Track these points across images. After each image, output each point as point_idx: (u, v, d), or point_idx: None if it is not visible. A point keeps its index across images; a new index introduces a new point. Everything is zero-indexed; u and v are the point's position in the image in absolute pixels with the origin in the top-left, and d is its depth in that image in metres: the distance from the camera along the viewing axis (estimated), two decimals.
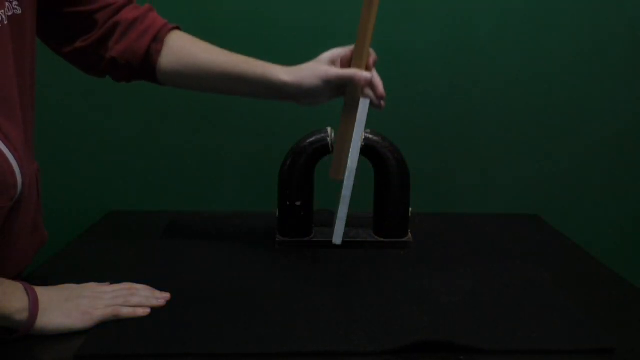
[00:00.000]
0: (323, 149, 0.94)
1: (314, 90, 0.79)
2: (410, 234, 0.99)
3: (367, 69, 0.79)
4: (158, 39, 0.83)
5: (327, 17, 1.14)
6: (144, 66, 0.83)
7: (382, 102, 0.79)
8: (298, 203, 0.95)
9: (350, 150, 0.78)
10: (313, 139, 0.94)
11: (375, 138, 0.94)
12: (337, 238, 0.81)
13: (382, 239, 0.97)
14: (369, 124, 0.95)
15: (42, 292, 0.69)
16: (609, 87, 1.22)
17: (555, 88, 1.22)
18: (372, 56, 0.80)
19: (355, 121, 0.78)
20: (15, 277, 0.75)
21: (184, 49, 0.83)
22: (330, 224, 1.02)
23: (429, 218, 1.12)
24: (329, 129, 0.95)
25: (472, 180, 1.25)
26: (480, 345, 0.66)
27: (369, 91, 0.79)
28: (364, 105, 0.76)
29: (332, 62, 0.79)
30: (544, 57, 1.20)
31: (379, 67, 1.17)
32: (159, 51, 0.83)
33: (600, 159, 1.25)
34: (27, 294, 0.67)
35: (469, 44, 1.18)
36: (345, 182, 0.78)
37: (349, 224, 1.02)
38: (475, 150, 1.24)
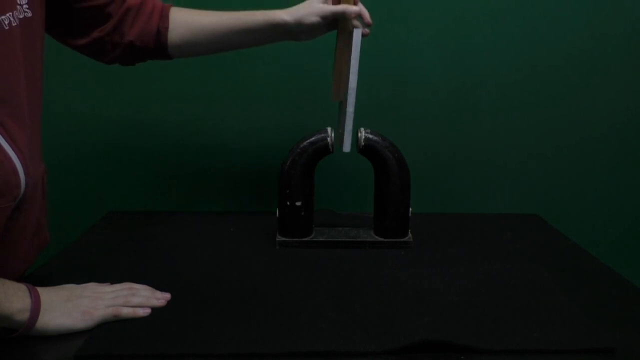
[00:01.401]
0: (323, 149, 0.94)
1: (313, 26, 0.89)
2: (410, 234, 0.99)
3: (354, 3, 0.90)
4: (164, 17, 0.89)
5: None
6: (156, 45, 0.89)
7: (368, 30, 0.91)
8: (298, 203, 0.95)
9: (350, 72, 0.88)
10: (313, 139, 0.95)
11: (375, 138, 0.94)
12: (347, 147, 0.91)
13: (382, 239, 0.97)
14: (368, 123, 0.96)
15: (42, 292, 0.69)
16: (609, 87, 1.22)
17: (555, 88, 1.22)
18: None
19: (349, 48, 0.89)
20: (16, 278, 0.75)
21: (188, 19, 0.91)
22: (331, 224, 1.03)
23: (429, 218, 1.12)
24: (329, 129, 0.95)
25: (472, 180, 1.25)
26: (480, 345, 0.66)
27: (357, 22, 0.90)
28: (357, 35, 0.87)
29: (325, 1, 0.90)
30: (544, 56, 1.20)
31: (379, 66, 1.17)
32: (166, 28, 0.89)
33: (600, 158, 1.25)
34: (30, 294, 0.67)
35: (469, 44, 1.18)
36: (348, 100, 0.88)
37: (349, 224, 1.03)
38: (475, 151, 1.23)
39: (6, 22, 0.67)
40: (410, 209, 0.98)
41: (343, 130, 0.90)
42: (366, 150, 0.94)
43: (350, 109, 0.89)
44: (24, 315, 0.66)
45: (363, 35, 0.87)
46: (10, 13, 0.68)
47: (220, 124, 1.20)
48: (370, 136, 0.94)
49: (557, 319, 0.73)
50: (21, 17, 0.70)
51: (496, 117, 1.22)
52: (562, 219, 1.20)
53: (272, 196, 0.98)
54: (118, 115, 1.19)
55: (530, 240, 1.03)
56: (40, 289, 0.69)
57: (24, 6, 0.71)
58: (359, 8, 0.89)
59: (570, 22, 1.19)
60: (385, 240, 0.97)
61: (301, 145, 0.95)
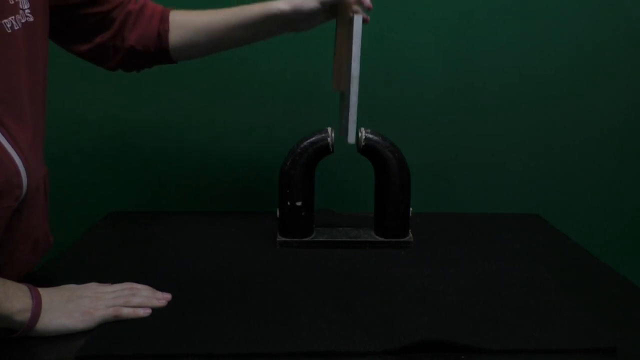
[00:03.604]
0: (323, 149, 0.94)
1: (311, 13, 0.88)
2: (410, 234, 0.99)
3: None
4: (164, 20, 0.89)
5: None
6: (157, 48, 0.89)
7: (367, 16, 0.88)
8: (299, 203, 0.95)
9: (352, 61, 0.85)
10: (313, 139, 0.95)
11: (375, 138, 0.94)
12: (351, 138, 0.87)
13: (382, 239, 0.97)
14: (368, 123, 0.96)
15: (43, 292, 0.69)
16: (609, 87, 1.22)
17: (555, 87, 1.22)
18: None
19: (350, 36, 0.86)
20: (17, 279, 0.75)
21: (187, 20, 0.90)
22: (331, 224, 1.03)
23: (429, 218, 1.12)
24: (329, 129, 0.95)
25: (472, 180, 1.25)
26: (481, 344, 0.66)
27: (357, 7, 0.87)
28: (358, 21, 0.84)
29: None
30: (543, 56, 1.20)
31: (380, 66, 1.17)
32: (167, 31, 0.89)
33: (600, 158, 1.25)
34: (31, 294, 0.67)
35: (469, 44, 1.18)
36: (351, 89, 0.86)
37: (349, 224, 1.03)
38: (475, 150, 1.24)
39: (8, 26, 0.68)
40: (411, 209, 0.98)
41: (347, 121, 0.87)
42: (366, 150, 0.94)
43: (354, 98, 0.86)
44: (25, 316, 0.66)
45: (363, 22, 0.85)
46: (13, 17, 0.69)
47: (220, 124, 1.20)
48: (371, 136, 0.94)
49: (557, 319, 0.73)
50: (23, 21, 0.71)
51: (496, 117, 1.22)
52: (562, 219, 1.20)
53: (272, 196, 0.98)
54: (118, 116, 1.19)
55: (530, 240, 1.03)
56: (41, 290, 0.69)
57: (26, 11, 0.72)
58: None
59: (569, 23, 1.19)
60: (386, 240, 0.97)
61: (301, 145, 0.95)
